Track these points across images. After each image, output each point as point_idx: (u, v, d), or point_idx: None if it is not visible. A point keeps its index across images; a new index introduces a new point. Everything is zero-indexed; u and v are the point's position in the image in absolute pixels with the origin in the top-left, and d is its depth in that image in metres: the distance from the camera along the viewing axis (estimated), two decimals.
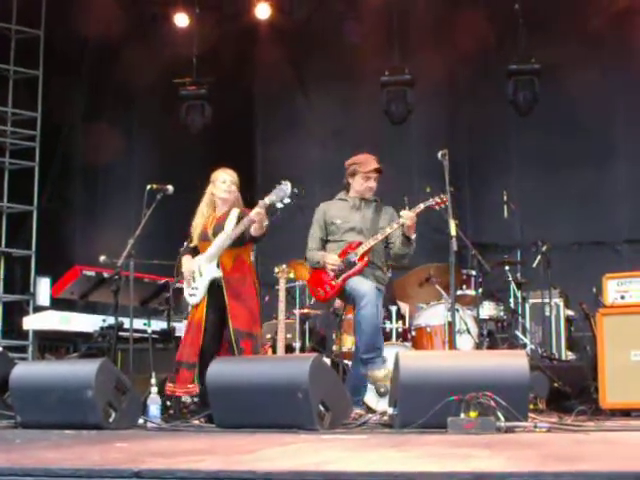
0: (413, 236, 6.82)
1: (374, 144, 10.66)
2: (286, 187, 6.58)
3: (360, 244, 6.86)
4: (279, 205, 6.64)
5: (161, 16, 11.32)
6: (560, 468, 2.95)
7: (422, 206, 6.79)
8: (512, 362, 5.52)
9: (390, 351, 6.99)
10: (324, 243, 7.06)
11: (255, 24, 11.14)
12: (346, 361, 7.83)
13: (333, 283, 6.84)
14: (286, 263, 8.03)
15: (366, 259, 6.85)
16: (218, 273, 6.77)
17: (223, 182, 6.92)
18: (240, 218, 6.76)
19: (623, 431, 5.43)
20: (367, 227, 6.99)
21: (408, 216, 6.69)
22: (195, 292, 6.82)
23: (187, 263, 6.90)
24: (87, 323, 8.70)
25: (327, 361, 7.65)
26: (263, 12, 10.99)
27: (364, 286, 6.70)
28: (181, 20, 11.22)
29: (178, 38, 11.13)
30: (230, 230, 6.72)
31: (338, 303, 8.55)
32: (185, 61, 11.11)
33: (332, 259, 6.85)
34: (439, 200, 6.79)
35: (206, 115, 11.24)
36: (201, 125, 11.26)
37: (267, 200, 6.55)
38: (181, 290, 7.23)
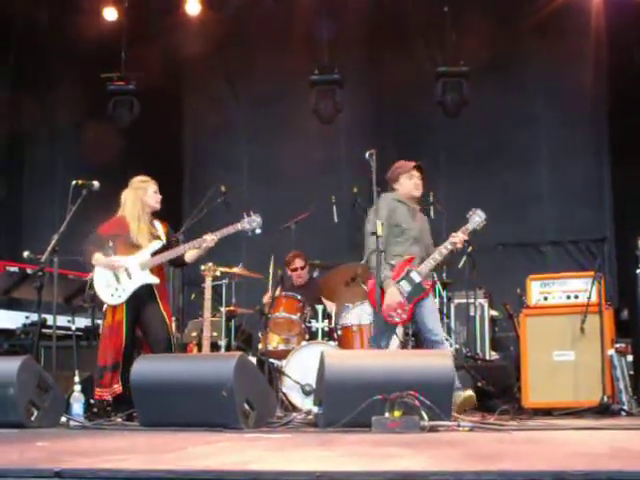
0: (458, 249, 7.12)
1: (303, 143, 10.70)
2: (258, 219, 7.01)
3: (413, 259, 6.98)
4: (249, 234, 7.06)
5: (90, 9, 11.14)
6: (481, 467, 2.98)
7: (470, 228, 7.02)
8: (437, 362, 5.58)
9: (315, 350, 7.01)
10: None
11: (185, 20, 11.04)
12: (272, 360, 7.81)
13: (406, 308, 6.84)
14: (213, 262, 7.99)
15: (431, 281, 7.09)
16: (154, 280, 6.96)
17: (155, 192, 7.06)
18: (167, 234, 7.12)
19: (545, 430, 5.53)
20: (420, 236, 7.17)
21: (460, 240, 6.94)
22: (120, 294, 6.88)
23: (118, 261, 6.91)
24: (9, 320, 8.57)
25: (253, 360, 7.64)
26: (193, 8, 10.90)
27: (432, 320, 6.91)
28: (110, 14, 11.07)
29: (106, 32, 10.98)
30: (182, 249, 7.01)
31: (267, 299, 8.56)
32: (113, 55, 10.97)
33: (392, 306, 6.77)
34: (479, 221, 7.03)
35: (134, 111, 11.13)
36: (129, 120, 11.14)
37: (232, 229, 6.94)
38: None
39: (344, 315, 8.15)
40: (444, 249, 6.95)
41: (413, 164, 7.13)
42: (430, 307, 6.98)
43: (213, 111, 11.66)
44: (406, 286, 6.87)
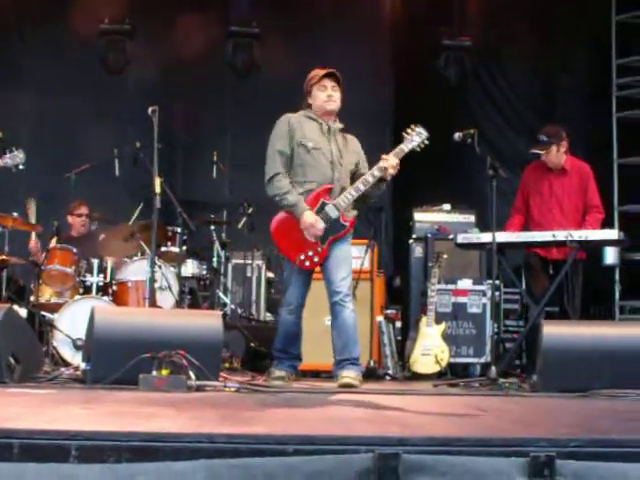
0: (389, 178, 6.15)
1: (90, 95, 10.43)
2: (20, 154, 6.79)
3: (330, 190, 6.08)
4: (13, 170, 6.81)
5: None
6: (235, 430, 3.04)
7: (405, 149, 6.15)
8: (206, 322, 5.64)
9: (88, 304, 6.91)
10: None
11: None
12: (44, 312, 7.65)
13: (319, 250, 6.05)
14: None
15: (351, 218, 6.15)
16: None
17: None
18: None
19: (309, 393, 5.65)
20: (339, 161, 6.20)
21: (391, 164, 6.02)
22: None
23: None
24: None
25: (24, 312, 7.46)
26: None
27: (344, 268, 6.15)
28: None
29: None
30: None
31: (35, 250, 8.33)
32: None
33: (317, 224, 5.99)
34: (420, 141, 6.19)
35: None
36: None
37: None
38: None
39: (121, 270, 8.06)
40: (370, 177, 6.04)
41: (325, 72, 6.23)
42: (340, 256, 6.12)
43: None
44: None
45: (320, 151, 6.14)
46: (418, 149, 6.20)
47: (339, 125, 6.33)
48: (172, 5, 10.63)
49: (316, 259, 6.08)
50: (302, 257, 6.06)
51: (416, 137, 6.18)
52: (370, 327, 7.59)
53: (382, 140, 10.45)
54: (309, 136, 6.17)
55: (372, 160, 6.23)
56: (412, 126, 6.23)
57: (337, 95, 6.24)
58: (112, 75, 10.65)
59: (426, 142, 6.19)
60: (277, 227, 6.19)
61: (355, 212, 6.26)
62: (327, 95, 6.21)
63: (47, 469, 2.67)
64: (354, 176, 6.27)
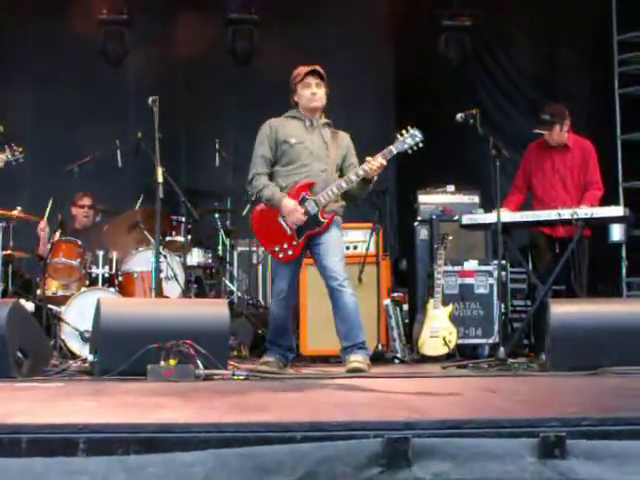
0: (375, 179, 6.10)
1: (90, 86, 10.41)
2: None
3: (313, 185, 6.07)
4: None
5: None
6: (244, 418, 3.03)
7: (394, 151, 6.03)
8: (213, 311, 5.63)
9: (95, 296, 6.90)
10: (272, 166, 6.22)
11: None
12: (50, 306, 7.65)
13: (295, 243, 6.03)
14: None
15: (330, 215, 6.07)
16: None
17: None
18: None
19: (317, 379, 5.65)
20: (324, 154, 6.22)
21: (377, 165, 5.94)
22: None
23: None
24: None
25: (31, 306, 7.46)
26: None
27: (336, 252, 6.06)
28: None
29: None
30: None
31: (42, 249, 8.33)
32: None
33: (295, 212, 5.99)
34: (412, 143, 6.01)
35: None
36: None
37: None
38: None
39: (126, 261, 8.06)
40: (354, 176, 5.99)
41: (308, 69, 6.23)
42: (330, 242, 6.05)
43: None
44: None
45: (303, 145, 6.18)
46: (410, 151, 6.03)
47: (324, 120, 6.35)
48: None
49: (290, 252, 6.07)
50: (277, 249, 6.09)
51: (409, 139, 6.02)
52: (377, 311, 7.59)
53: (385, 125, 10.44)
54: (291, 133, 6.22)
55: (377, 147, 6.18)
56: (408, 127, 6.08)
57: (321, 92, 6.25)
58: (112, 66, 10.61)
59: (420, 145, 6.01)
60: (256, 218, 6.29)
61: (343, 203, 6.27)
62: (311, 93, 6.23)
63: (56, 463, 2.67)
64: (341, 171, 6.29)
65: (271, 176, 6.22)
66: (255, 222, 6.31)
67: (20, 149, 7.01)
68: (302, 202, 6.03)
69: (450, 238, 7.86)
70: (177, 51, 10.56)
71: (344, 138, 6.41)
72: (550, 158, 7.62)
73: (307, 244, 6.12)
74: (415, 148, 6.03)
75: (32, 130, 10.11)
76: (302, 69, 6.26)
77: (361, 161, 6.14)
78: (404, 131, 6.07)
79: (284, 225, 6.07)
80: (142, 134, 7.77)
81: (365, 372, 5.75)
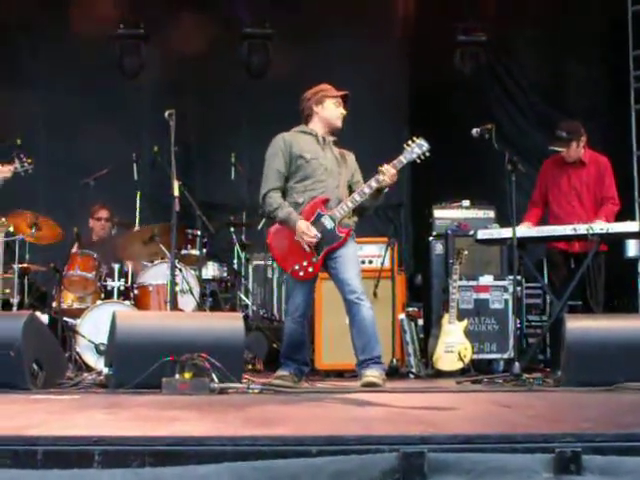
0: (386, 190, 6.13)
1: (103, 97, 10.44)
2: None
3: (327, 201, 6.07)
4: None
5: None
6: (259, 432, 3.03)
7: (404, 161, 6.06)
8: (228, 324, 5.63)
9: (110, 309, 6.92)
10: (286, 182, 6.19)
11: None
12: (66, 318, 7.68)
13: (314, 260, 6.00)
14: (6, 215, 7.75)
15: (347, 229, 6.07)
16: None
17: None
18: None
19: (332, 393, 5.65)
20: (337, 171, 6.24)
21: (389, 175, 5.97)
22: None
23: None
24: None
25: (46, 318, 7.49)
26: None
27: (353, 266, 6.06)
28: None
29: None
30: None
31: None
32: None
33: (309, 232, 5.95)
34: (420, 152, 6.05)
35: None
36: None
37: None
38: None
39: (141, 274, 8.08)
40: (367, 188, 6.01)
41: (344, 92, 6.30)
42: (347, 256, 6.04)
43: (5, 60, 11.02)
44: None
45: (318, 161, 6.17)
46: (418, 161, 6.08)
47: (332, 137, 6.35)
48: (186, 7, 10.62)
49: (310, 269, 6.04)
50: (297, 267, 6.04)
51: (417, 149, 6.06)
52: (392, 325, 7.57)
53: (399, 138, 10.40)
54: (306, 148, 6.20)
55: (388, 158, 6.19)
56: (414, 137, 6.14)
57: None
58: (128, 79, 10.66)
59: (427, 154, 6.05)
60: (273, 238, 6.25)
61: (355, 219, 6.28)
62: (341, 112, 6.27)
63: (71, 475, 2.67)
64: (350, 189, 6.30)
65: (284, 192, 6.21)
66: (271, 244, 6.27)
67: (29, 160, 7.07)
68: (318, 219, 6.03)
69: (465, 253, 7.85)
70: (193, 65, 10.58)
71: (350, 156, 6.44)
72: (566, 174, 7.62)
73: (324, 259, 6.09)
74: (423, 157, 6.06)
75: (48, 143, 10.14)
76: (332, 87, 6.32)
77: (373, 175, 6.14)
78: (410, 141, 6.11)
79: (302, 243, 6.04)
80: (158, 148, 7.79)
81: (380, 387, 5.74)
